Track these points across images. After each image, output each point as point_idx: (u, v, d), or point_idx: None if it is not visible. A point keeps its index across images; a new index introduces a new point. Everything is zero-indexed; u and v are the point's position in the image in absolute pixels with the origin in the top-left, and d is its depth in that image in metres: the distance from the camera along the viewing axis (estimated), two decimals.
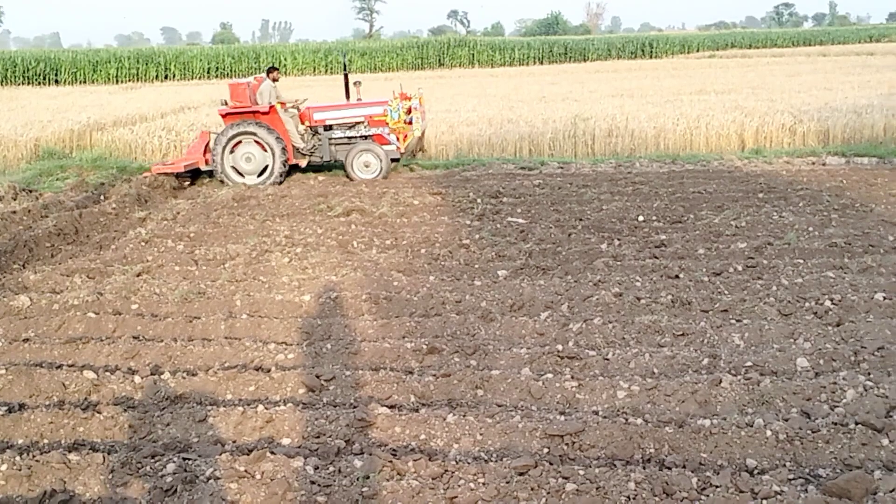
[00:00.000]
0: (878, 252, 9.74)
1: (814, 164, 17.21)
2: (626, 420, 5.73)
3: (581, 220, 12.03)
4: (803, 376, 6.40)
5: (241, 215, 13.15)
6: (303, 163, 16.92)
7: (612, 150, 19.69)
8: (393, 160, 16.77)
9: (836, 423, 5.46)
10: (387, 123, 16.55)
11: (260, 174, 16.35)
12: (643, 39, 76.56)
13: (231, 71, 61.92)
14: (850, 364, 6.57)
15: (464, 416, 5.90)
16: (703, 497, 4.77)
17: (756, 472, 5.12)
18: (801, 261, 9.49)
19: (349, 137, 16.76)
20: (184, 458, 5.35)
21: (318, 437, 5.79)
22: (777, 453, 5.31)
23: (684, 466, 5.15)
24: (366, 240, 11.21)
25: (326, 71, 63.36)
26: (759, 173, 15.86)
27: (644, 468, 5.12)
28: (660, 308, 8.10)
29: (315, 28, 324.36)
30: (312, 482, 5.03)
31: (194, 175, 17.17)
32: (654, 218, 12.04)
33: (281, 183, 16.25)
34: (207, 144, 17.00)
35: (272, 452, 5.37)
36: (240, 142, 16.27)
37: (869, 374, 6.31)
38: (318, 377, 6.68)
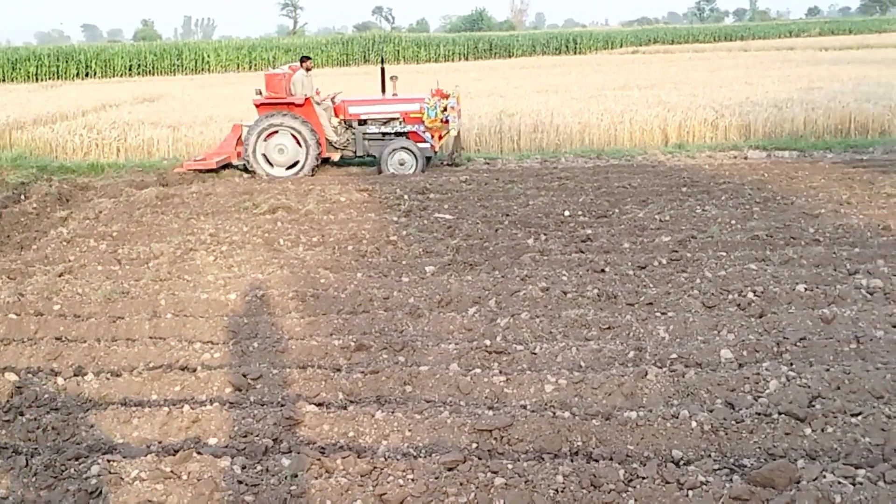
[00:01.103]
0: (800, 244, 9.91)
1: (735, 157, 17.50)
2: (554, 414, 5.76)
3: (508, 215, 12.07)
4: (727, 367, 6.49)
5: (164, 214, 12.97)
6: (335, 156, 16.82)
7: (537, 145, 19.81)
8: (427, 158, 16.57)
9: (759, 414, 5.55)
10: (422, 121, 16.35)
11: (290, 167, 16.27)
12: (567, 35, 77.03)
13: (153, 68, 61.07)
14: (773, 355, 6.68)
15: (392, 412, 5.89)
16: (629, 489, 4.81)
17: (682, 462, 5.18)
18: (724, 253, 9.63)
19: (384, 133, 16.59)
20: (108, 460, 5.26)
21: (245, 436, 5.74)
22: (702, 444, 5.38)
23: (611, 459, 5.19)
24: (292, 237, 11.13)
25: (251, 68, 62.52)
26: (683, 167, 16.05)
27: (572, 461, 5.15)
28: (586, 302, 8.16)
29: (238, 25, 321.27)
30: (240, 482, 4.98)
31: (224, 168, 17.05)
32: (580, 213, 12.12)
33: (313, 174, 16.20)
34: (239, 138, 16.82)
35: (199, 452, 5.30)
36: (273, 132, 16.14)
37: (791, 364, 6.42)
38: (244, 376, 6.62)
